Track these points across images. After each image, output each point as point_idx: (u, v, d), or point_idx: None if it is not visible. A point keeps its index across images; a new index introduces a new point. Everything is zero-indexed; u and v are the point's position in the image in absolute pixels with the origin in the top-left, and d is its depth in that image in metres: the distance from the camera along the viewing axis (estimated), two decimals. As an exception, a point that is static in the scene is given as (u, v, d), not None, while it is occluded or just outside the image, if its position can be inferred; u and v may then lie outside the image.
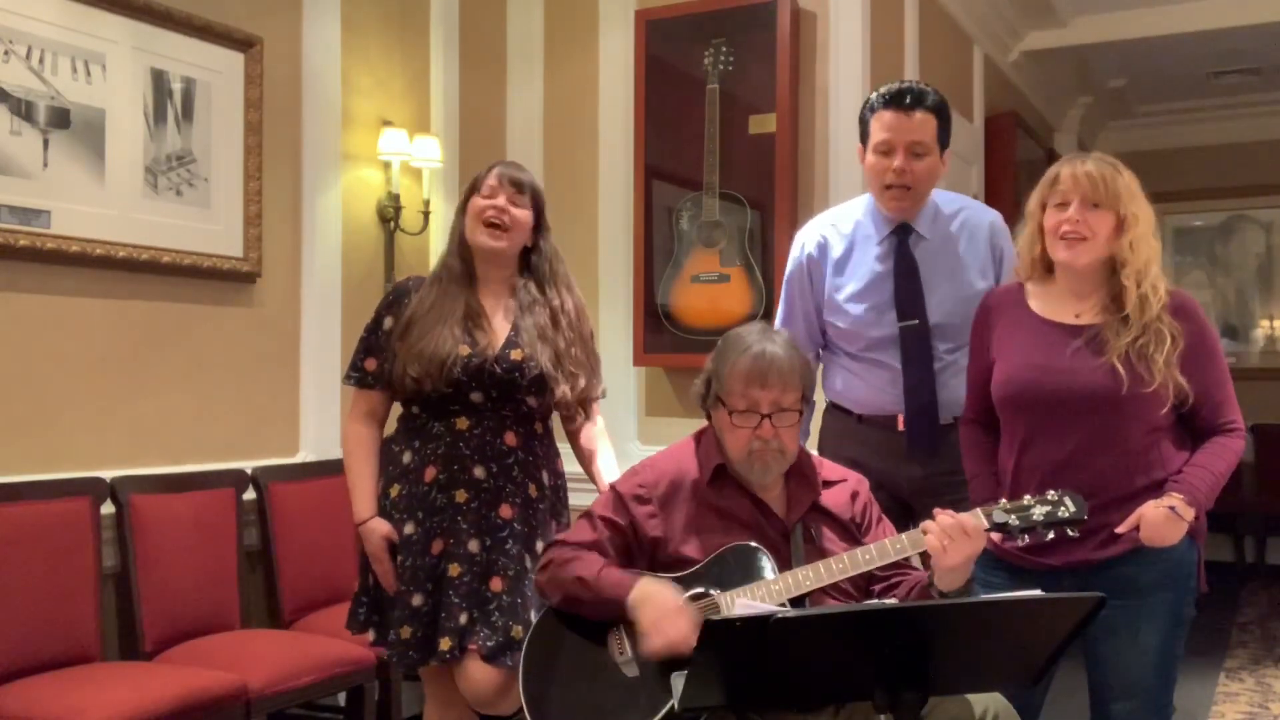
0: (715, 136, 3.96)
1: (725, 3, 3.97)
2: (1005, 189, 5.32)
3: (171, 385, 3.45)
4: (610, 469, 2.66)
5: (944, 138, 2.63)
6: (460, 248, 2.62)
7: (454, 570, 2.49)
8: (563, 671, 2.16)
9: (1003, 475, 2.34)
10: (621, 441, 3.58)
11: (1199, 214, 7.69)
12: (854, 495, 2.30)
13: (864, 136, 2.66)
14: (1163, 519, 2.15)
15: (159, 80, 3.42)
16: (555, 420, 2.71)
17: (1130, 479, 2.22)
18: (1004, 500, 2.14)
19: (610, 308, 4.22)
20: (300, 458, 3.82)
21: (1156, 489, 2.20)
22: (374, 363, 2.61)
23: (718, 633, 1.63)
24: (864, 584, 2.21)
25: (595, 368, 2.69)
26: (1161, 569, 2.22)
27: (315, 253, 3.90)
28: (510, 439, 2.55)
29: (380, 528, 2.54)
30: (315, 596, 3.58)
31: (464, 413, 2.53)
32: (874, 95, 2.63)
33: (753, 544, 2.15)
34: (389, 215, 4.16)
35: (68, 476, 3.08)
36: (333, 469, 3.66)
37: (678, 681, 1.93)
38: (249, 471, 3.57)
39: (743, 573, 2.12)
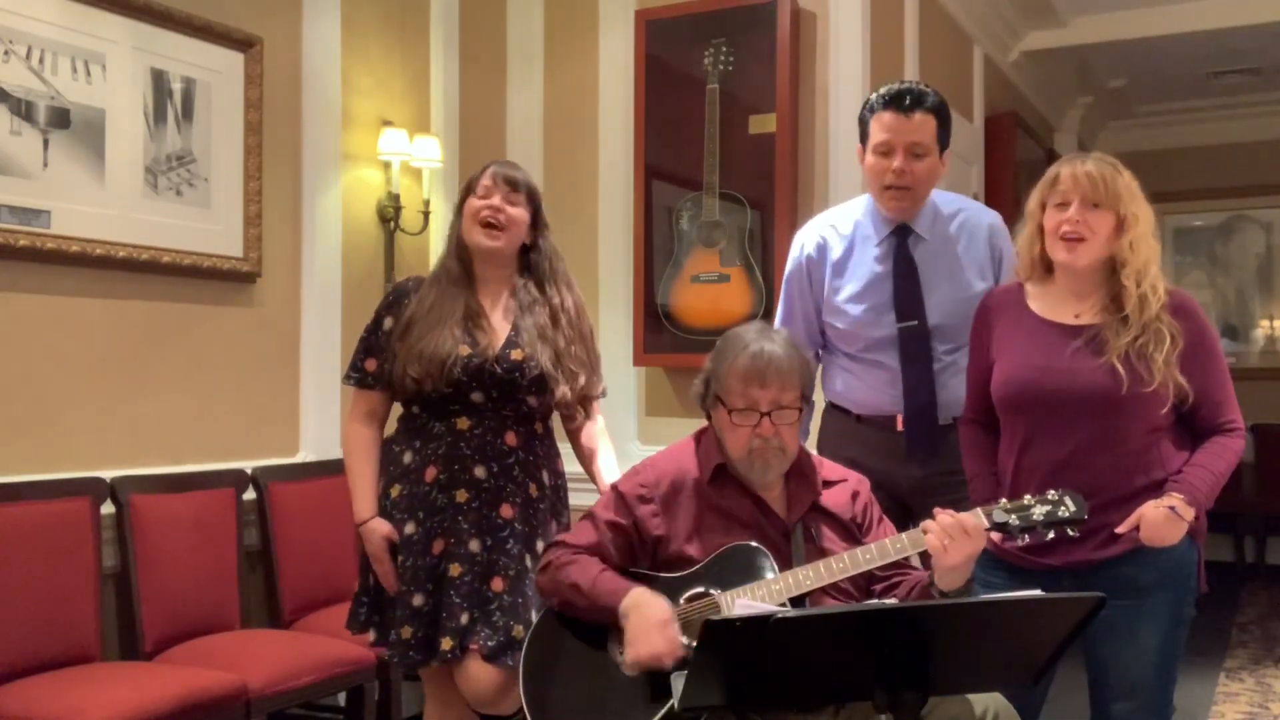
0: (715, 136, 3.96)
1: (725, 3, 3.97)
2: (1005, 189, 5.32)
3: (171, 385, 3.45)
4: (610, 469, 2.66)
5: (944, 139, 2.63)
6: (458, 249, 2.62)
7: (455, 570, 2.49)
8: (563, 671, 2.17)
9: (1003, 475, 2.34)
10: (621, 441, 3.58)
11: (1199, 214, 7.69)
12: (854, 495, 2.30)
13: (864, 137, 2.66)
14: (1163, 519, 2.15)
15: (159, 80, 3.42)
16: (556, 420, 2.71)
17: (1130, 479, 2.22)
18: (1004, 500, 2.14)
19: (610, 308, 4.22)
20: (300, 458, 3.82)
21: (1156, 489, 2.20)
22: (374, 363, 2.61)
23: (718, 633, 1.63)
24: (864, 584, 2.21)
25: (595, 366, 2.69)
26: (1161, 569, 2.22)
27: (315, 253, 3.90)
28: (511, 439, 2.55)
29: (381, 528, 2.54)
30: (315, 596, 3.58)
31: (464, 413, 2.53)
32: (874, 96, 2.62)
33: (753, 544, 2.15)
34: (389, 215, 4.16)
35: (68, 476, 3.08)
36: (333, 469, 3.66)
37: (678, 681, 1.93)
38: (249, 471, 3.57)
39: (743, 572, 2.12)
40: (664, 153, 4.08)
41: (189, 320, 3.51)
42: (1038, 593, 1.82)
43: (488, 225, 2.56)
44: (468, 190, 2.62)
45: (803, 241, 2.80)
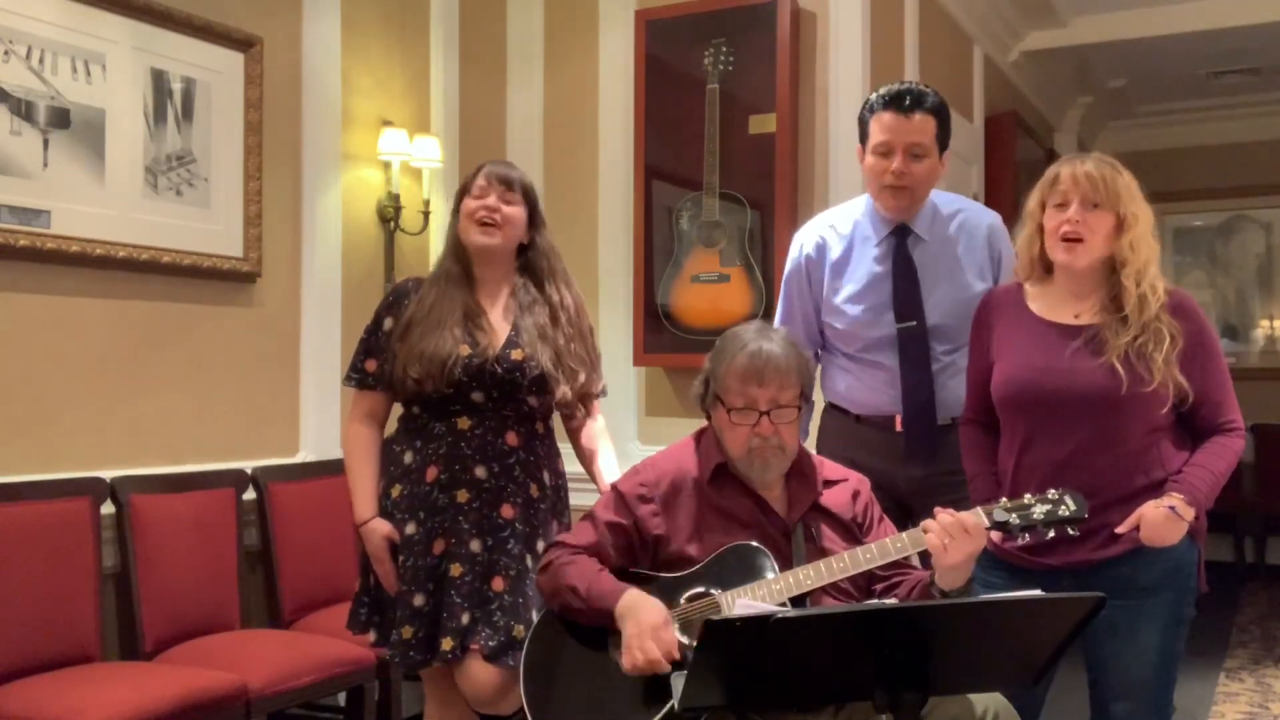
0: (715, 136, 3.96)
1: (725, 3, 3.97)
2: (1005, 189, 5.32)
3: (171, 385, 3.45)
4: (611, 468, 2.66)
5: (943, 139, 2.63)
6: (456, 250, 2.62)
7: (456, 570, 2.49)
8: (564, 671, 2.16)
9: (1003, 475, 2.34)
10: (621, 441, 3.58)
11: (1199, 214, 7.69)
12: (855, 495, 2.30)
13: (863, 137, 2.66)
14: (1163, 519, 2.15)
15: (159, 80, 3.42)
16: (556, 420, 2.71)
17: (1130, 479, 2.22)
18: (1004, 499, 2.14)
19: (610, 308, 4.22)
20: (300, 458, 3.82)
21: (1156, 489, 2.20)
22: (374, 364, 2.61)
23: (718, 632, 1.63)
24: (865, 584, 2.21)
25: (595, 363, 2.70)
26: (1161, 569, 2.22)
27: (315, 253, 3.90)
28: (511, 439, 2.55)
29: (381, 528, 2.54)
30: (315, 596, 3.58)
31: (465, 413, 2.53)
32: (873, 96, 2.62)
33: (754, 543, 2.15)
34: (389, 215, 4.16)
35: (68, 476, 3.08)
36: (333, 469, 3.66)
37: (678, 681, 1.93)
38: (249, 471, 3.57)
39: (743, 572, 2.12)
40: (664, 153, 4.08)
41: (189, 320, 3.51)
42: (1038, 593, 1.82)
43: (484, 224, 2.56)
44: (463, 192, 2.62)
45: (802, 241, 2.80)
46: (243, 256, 3.64)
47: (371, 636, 2.62)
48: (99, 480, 3.13)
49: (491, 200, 2.57)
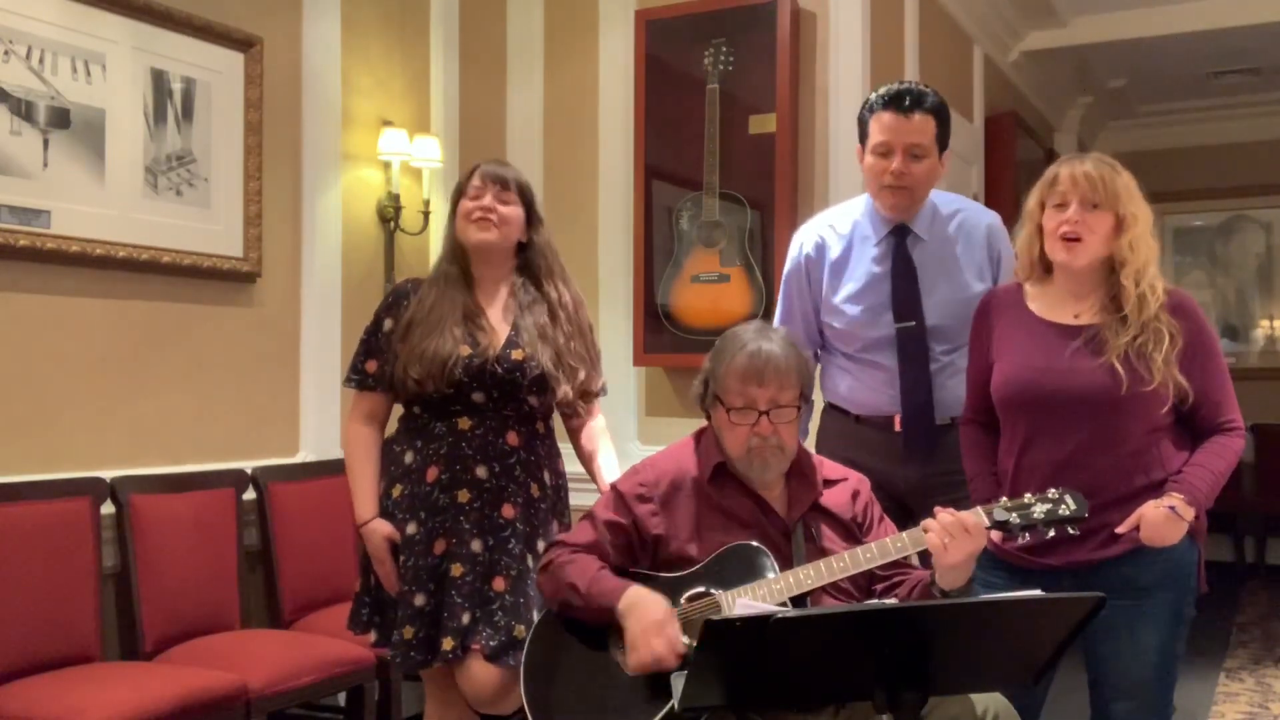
0: (715, 136, 3.96)
1: (725, 3, 3.97)
2: (1005, 189, 5.32)
3: (171, 385, 3.45)
4: (611, 468, 2.66)
5: (943, 139, 2.63)
6: (454, 251, 2.63)
7: (456, 570, 2.49)
8: (564, 671, 2.16)
9: (1003, 475, 2.34)
10: (621, 441, 3.58)
11: (1199, 214, 7.69)
12: (855, 494, 2.30)
13: (863, 137, 2.66)
14: (1163, 519, 2.15)
15: (159, 80, 3.42)
16: (556, 420, 2.71)
17: (1130, 479, 2.22)
18: (1004, 498, 2.14)
19: (610, 308, 4.22)
20: (300, 458, 3.82)
21: (1156, 489, 2.21)
22: (374, 364, 2.61)
23: (718, 632, 1.63)
24: (865, 583, 2.21)
25: (595, 360, 2.70)
26: (1161, 569, 2.22)
27: (315, 253, 3.90)
28: (512, 438, 2.55)
29: (382, 528, 2.54)
30: (315, 596, 3.58)
31: (466, 413, 2.53)
32: (873, 96, 2.62)
33: (754, 543, 2.15)
34: (389, 215, 4.16)
35: (68, 476, 3.08)
36: (333, 469, 3.66)
37: (678, 681, 1.93)
38: (249, 471, 3.57)
39: (743, 572, 2.12)
40: (664, 153, 4.08)
41: (189, 320, 3.51)
42: (1038, 593, 1.82)
43: (480, 221, 2.56)
44: (459, 193, 2.62)
45: (801, 241, 2.80)
46: (243, 256, 3.64)
47: (372, 637, 2.62)
48: (99, 480, 3.13)
49: (487, 200, 2.57)
